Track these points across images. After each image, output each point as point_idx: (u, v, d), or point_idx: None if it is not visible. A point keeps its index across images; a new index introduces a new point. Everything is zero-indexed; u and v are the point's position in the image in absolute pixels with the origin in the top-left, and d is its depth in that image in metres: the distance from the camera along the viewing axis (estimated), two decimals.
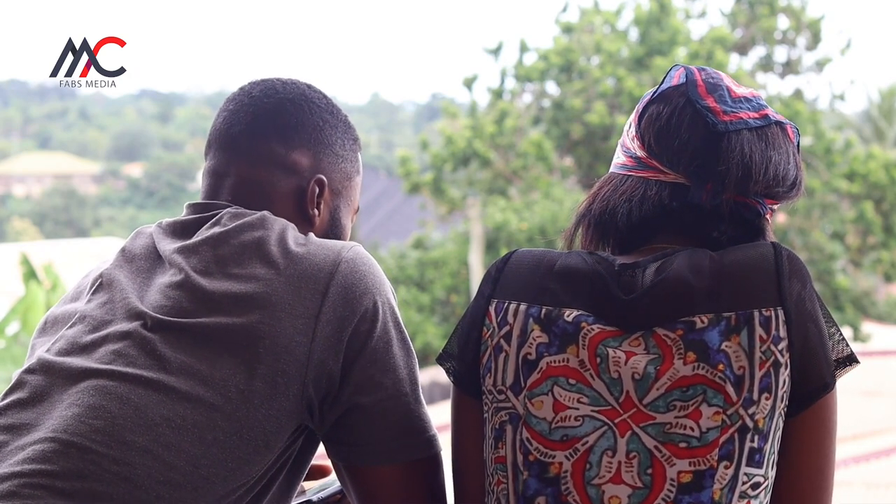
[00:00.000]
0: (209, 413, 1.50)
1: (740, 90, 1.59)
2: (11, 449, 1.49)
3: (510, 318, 1.53)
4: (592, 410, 1.46)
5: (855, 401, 11.60)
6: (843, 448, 9.67)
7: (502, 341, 1.53)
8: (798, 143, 1.61)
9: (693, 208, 1.54)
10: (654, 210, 1.55)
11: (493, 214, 16.22)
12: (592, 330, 1.48)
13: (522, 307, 1.52)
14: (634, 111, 1.62)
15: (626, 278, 1.50)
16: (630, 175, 1.59)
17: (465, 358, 1.57)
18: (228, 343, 1.53)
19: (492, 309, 1.55)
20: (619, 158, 1.63)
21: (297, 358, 1.53)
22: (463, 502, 1.60)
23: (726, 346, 1.43)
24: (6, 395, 1.57)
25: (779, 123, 1.58)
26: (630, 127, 1.62)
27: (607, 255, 1.55)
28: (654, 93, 1.60)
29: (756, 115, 1.56)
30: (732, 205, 1.53)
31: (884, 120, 29.72)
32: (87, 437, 1.47)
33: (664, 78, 1.61)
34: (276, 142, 1.71)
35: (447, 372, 1.60)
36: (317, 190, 1.72)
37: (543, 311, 1.51)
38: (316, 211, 1.72)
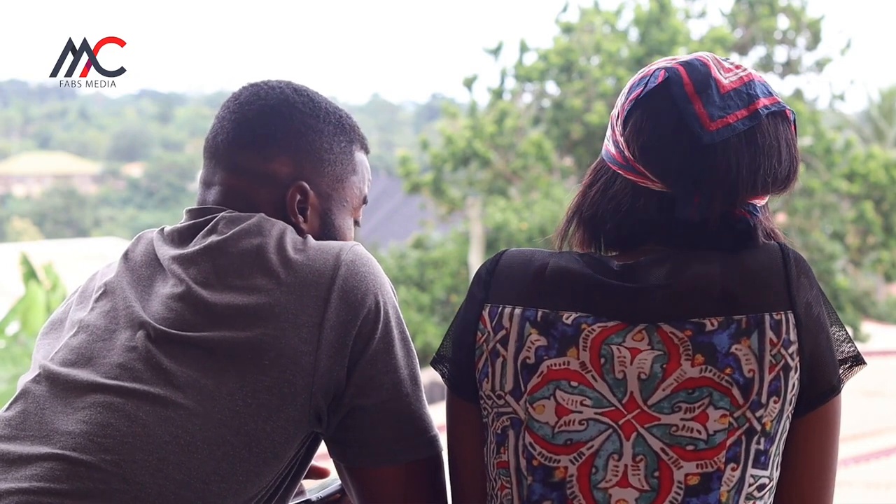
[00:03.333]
0: (217, 429, 1.49)
1: (729, 78, 1.52)
2: (16, 461, 1.48)
3: (506, 323, 1.51)
4: (596, 413, 1.45)
5: (855, 401, 11.59)
6: (843, 448, 9.66)
7: (499, 346, 1.51)
8: (794, 121, 1.55)
9: (681, 221, 1.50)
10: (642, 224, 1.52)
11: (493, 214, 16.22)
12: (594, 330, 1.47)
13: (518, 311, 1.50)
14: (620, 101, 1.56)
15: (628, 277, 1.49)
16: (619, 174, 1.54)
17: (459, 362, 1.56)
18: (233, 357, 1.51)
19: (485, 313, 1.53)
20: (608, 144, 1.57)
21: (304, 368, 1.52)
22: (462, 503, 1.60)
23: (736, 349, 1.42)
24: (11, 404, 1.56)
25: (771, 114, 1.52)
26: (617, 120, 1.56)
27: (600, 256, 1.54)
28: (641, 94, 1.53)
29: (745, 114, 1.50)
30: (720, 215, 1.49)
31: (884, 120, 29.71)
32: (96, 456, 1.46)
33: (649, 79, 1.53)
34: (254, 152, 1.69)
35: (442, 376, 1.59)
36: (298, 197, 1.69)
37: (540, 313, 1.49)
38: (301, 217, 1.69)
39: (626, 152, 1.53)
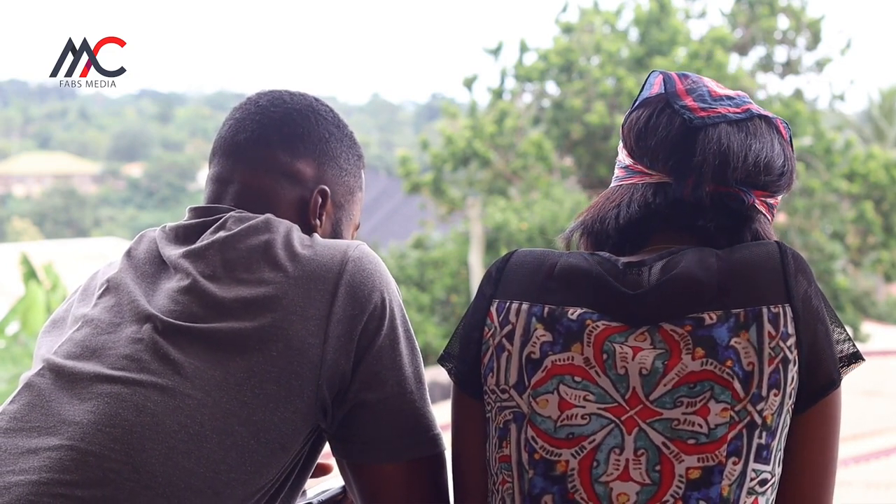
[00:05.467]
0: (225, 418, 1.50)
1: (723, 91, 1.60)
2: (23, 452, 1.48)
3: (512, 318, 1.52)
4: (599, 408, 1.46)
5: (855, 401, 11.59)
6: (843, 448, 9.66)
7: (504, 341, 1.52)
8: (790, 138, 1.61)
9: (676, 203, 1.55)
10: (640, 210, 1.56)
11: (493, 214, 16.22)
12: (598, 327, 1.48)
13: (525, 306, 1.52)
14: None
15: (632, 276, 1.50)
16: (621, 185, 1.61)
17: (466, 358, 1.57)
18: (241, 347, 1.52)
19: (493, 309, 1.55)
20: (615, 173, 1.65)
21: (311, 359, 1.54)
22: (464, 502, 1.60)
23: (735, 343, 1.43)
24: (14, 398, 1.56)
25: (763, 117, 1.58)
26: (620, 140, 1.64)
27: (609, 255, 1.55)
28: (636, 102, 1.62)
29: (737, 111, 1.56)
30: (714, 196, 1.54)
31: (884, 120, 29.72)
32: (105, 447, 1.47)
33: (644, 86, 1.63)
34: (280, 150, 1.72)
35: (449, 373, 1.60)
36: (319, 200, 1.73)
37: (546, 309, 1.51)
38: (318, 221, 1.73)
39: (627, 158, 1.60)
